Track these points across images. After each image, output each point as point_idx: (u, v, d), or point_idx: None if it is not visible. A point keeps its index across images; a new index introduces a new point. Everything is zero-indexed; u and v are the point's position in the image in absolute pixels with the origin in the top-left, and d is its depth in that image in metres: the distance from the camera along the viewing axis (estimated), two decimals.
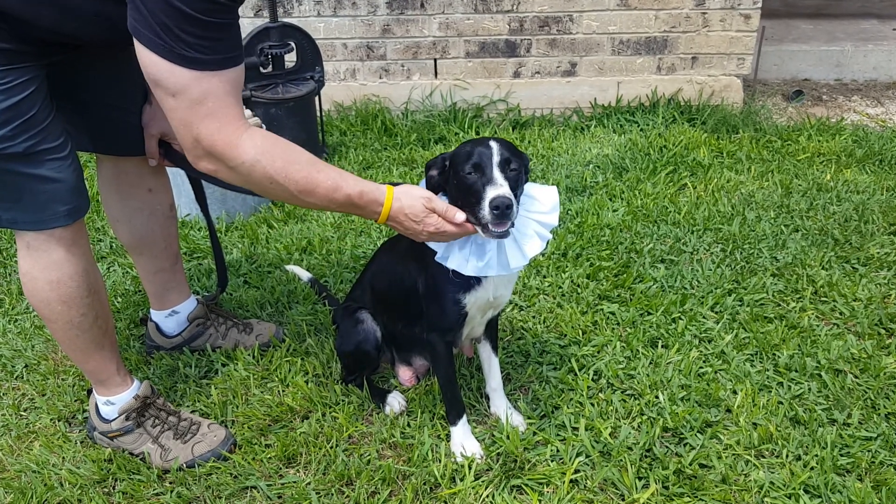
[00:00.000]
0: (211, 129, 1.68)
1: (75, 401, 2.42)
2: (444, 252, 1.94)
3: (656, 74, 5.00)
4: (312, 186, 1.78)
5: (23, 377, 2.57)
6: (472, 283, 1.99)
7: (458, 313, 2.03)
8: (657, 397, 2.35)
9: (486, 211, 1.78)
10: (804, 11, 6.89)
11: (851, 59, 5.82)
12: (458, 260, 1.93)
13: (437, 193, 1.95)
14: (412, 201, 1.84)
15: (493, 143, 1.87)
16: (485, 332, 2.26)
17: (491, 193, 1.78)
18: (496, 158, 1.84)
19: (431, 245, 1.95)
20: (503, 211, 1.76)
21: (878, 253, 3.18)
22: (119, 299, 2.99)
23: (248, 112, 3.78)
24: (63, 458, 2.19)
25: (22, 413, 2.41)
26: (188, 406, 2.38)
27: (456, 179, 1.89)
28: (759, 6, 4.81)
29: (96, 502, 2.01)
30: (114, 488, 2.10)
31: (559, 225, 3.46)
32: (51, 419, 2.35)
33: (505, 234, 1.83)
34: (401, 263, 2.19)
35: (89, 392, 2.22)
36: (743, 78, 5.06)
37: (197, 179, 2.47)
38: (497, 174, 1.82)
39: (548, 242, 2.05)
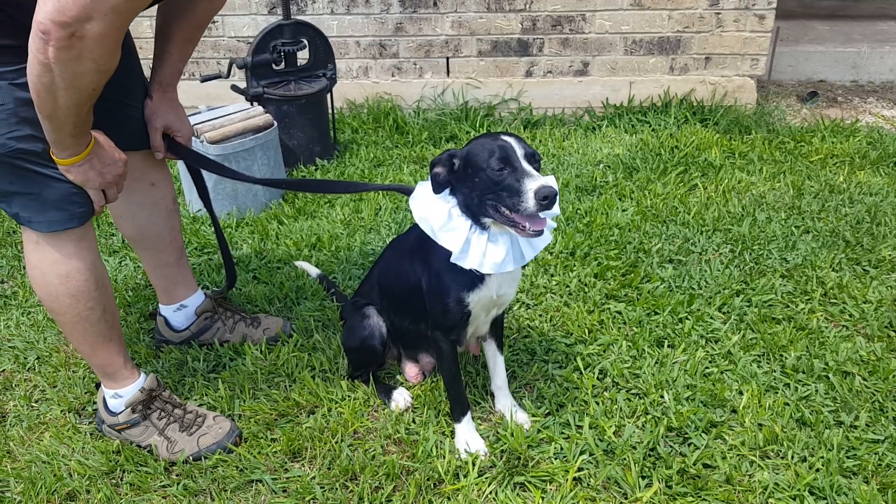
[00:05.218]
0: None
1: (85, 393, 2.45)
2: (461, 253, 1.92)
3: (669, 74, 4.98)
4: None
5: (35, 369, 2.60)
6: (475, 281, 1.99)
7: (462, 312, 2.03)
8: (662, 397, 2.35)
9: (530, 203, 1.77)
10: (820, 12, 6.83)
11: (868, 60, 5.78)
12: (475, 259, 1.92)
13: (442, 191, 1.96)
14: None
15: (510, 138, 1.88)
16: (490, 330, 2.26)
17: (533, 185, 1.78)
18: (520, 152, 1.85)
19: (447, 246, 1.93)
20: (552, 200, 1.76)
21: (890, 255, 3.15)
22: (130, 293, 3.02)
23: (259, 108, 3.81)
24: (72, 449, 2.22)
25: (33, 404, 2.44)
26: (196, 399, 2.41)
27: (478, 177, 1.86)
28: (774, 7, 4.78)
29: (104, 493, 2.04)
30: (121, 480, 2.12)
31: (568, 224, 3.46)
32: (61, 411, 2.38)
33: (541, 233, 1.84)
34: (407, 261, 2.19)
35: (98, 385, 2.25)
36: (757, 79, 5.03)
37: (198, 171, 2.49)
38: (528, 166, 1.83)
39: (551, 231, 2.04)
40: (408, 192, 2.10)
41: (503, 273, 2.02)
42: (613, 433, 2.19)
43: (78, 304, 2.01)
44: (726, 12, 4.78)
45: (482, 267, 1.92)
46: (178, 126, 2.29)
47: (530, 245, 1.99)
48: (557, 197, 1.82)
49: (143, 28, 4.41)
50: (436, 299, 2.06)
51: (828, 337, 2.64)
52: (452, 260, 1.92)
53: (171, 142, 2.30)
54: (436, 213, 1.95)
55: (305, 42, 4.09)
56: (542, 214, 1.84)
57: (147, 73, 2.27)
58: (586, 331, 2.69)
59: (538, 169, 1.87)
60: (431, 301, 2.08)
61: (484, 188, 1.86)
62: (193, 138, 3.45)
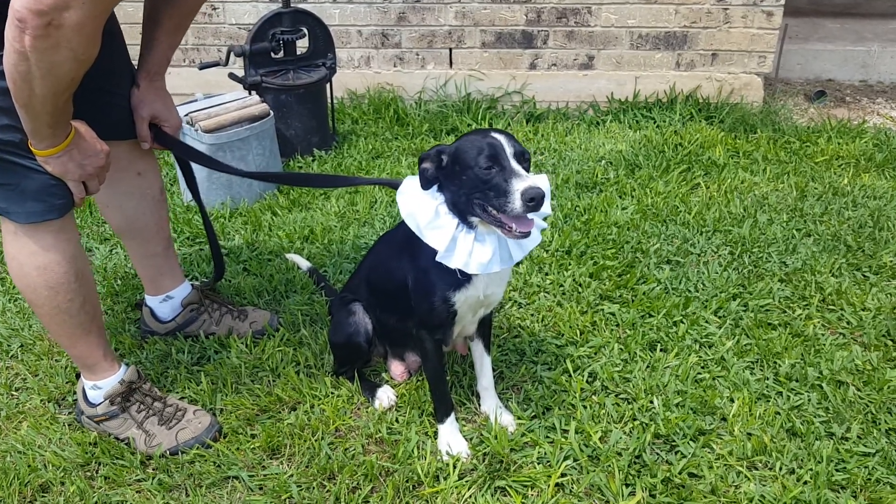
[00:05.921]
0: None
1: (66, 382, 2.42)
2: (447, 252, 1.88)
3: (675, 70, 4.90)
4: None
5: (17, 357, 2.57)
6: (461, 281, 1.95)
7: (447, 311, 1.99)
8: (651, 402, 2.30)
9: (517, 204, 1.73)
10: (830, 10, 6.72)
11: (878, 60, 5.68)
12: (461, 259, 1.88)
13: (430, 187, 1.92)
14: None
15: (500, 136, 1.82)
16: (478, 330, 2.22)
17: (520, 185, 1.73)
18: (510, 150, 1.80)
19: (432, 244, 1.89)
20: (539, 202, 1.72)
21: (891, 262, 3.09)
22: (119, 282, 2.99)
23: (255, 97, 3.76)
24: (49, 439, 2.19)
25: (13, 393, 2.42)
26: (178, 392, 2.38)
27: (466, 175, 1.82)
28: (783, 3, 4.69)
29: (78, 486, 2.01)
30: (97, 472, 2.09)
31: (565, 221, 3.41)
32: (41, 400, 2.36)
33: (528, 235, 1.79)
34: (395, 257, 2.15)
35: (78, 375, 2.22)
36: (764, 76, 4.95)
37: (187, 162, 2.45)
38: (517, 166, 1.78)
39: (541, 231, 2.00)
40: (396, 186, 2.06)
41: (491, 273, 1.98)
42: (599, 439, 2.15)
43: (56, 296, 1.98)
44: (734, 8, 4.70)
45: (468, 267, 1.88)
46: (165, 116, 2.25)
47: (518, 246, 1.94)
48: (546, 198, 1.78)
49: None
50: (421, 297, 2.02)
51: (823, 345, 2.58)
52: (438, 258, 1.88)
53: (159, 132, 2.27)
54: (423, 210, 1.90)
55: (305, 31, 4.04)
56: (529, 216, 1.80)
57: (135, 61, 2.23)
58: (578, 332, 2.64)
59: (528, 168, 1.82)
60: (417, 299, 2.04)
61: (471, 187, 1.82)
62: (189, 126, 3.42)
